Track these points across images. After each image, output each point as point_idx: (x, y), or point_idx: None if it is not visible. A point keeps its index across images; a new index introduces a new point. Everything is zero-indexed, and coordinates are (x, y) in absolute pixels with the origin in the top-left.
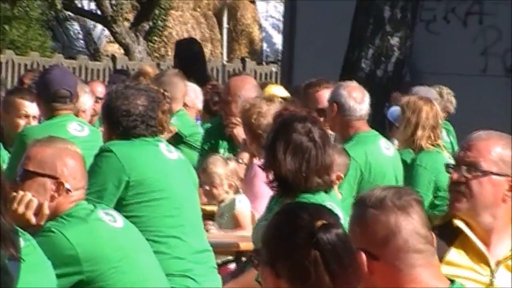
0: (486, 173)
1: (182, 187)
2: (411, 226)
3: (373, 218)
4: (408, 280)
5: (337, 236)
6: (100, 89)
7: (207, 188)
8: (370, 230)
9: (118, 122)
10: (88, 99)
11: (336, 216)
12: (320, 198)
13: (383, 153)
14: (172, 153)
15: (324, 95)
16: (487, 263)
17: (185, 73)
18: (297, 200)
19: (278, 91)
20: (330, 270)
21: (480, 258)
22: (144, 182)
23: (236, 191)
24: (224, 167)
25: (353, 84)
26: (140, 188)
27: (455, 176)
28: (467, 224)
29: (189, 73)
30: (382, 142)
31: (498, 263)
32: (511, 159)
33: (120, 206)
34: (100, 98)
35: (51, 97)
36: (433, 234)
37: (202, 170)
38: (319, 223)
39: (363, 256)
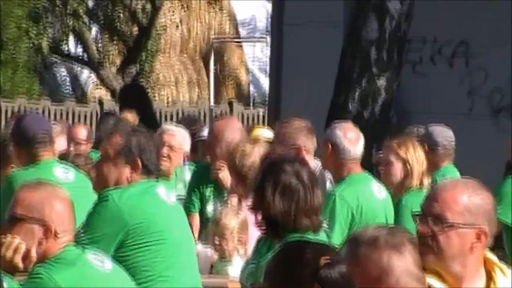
0: (452, 225)
1: (179, 231)
2: (403, 265)
3: (366, 256)
4: None
5: (340, 274)
6: (83, 133)
7: (217, 240)
8: (362, 268)
9: (145, 160)
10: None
11: (338, 253)
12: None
13: (375, 196)
14: (171, 197)
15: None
16: None
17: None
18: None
19: (265, 133)
20: None
21: None
22: (143, 228)
23: (243, 245)
24: (235, 220)
25: (349, 125)
26: (138, 234)
27: (422, 229)
28: (437, 273)
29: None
30: (374, 184)
31: None
32: (477, 208)
33: (116, 249)
34: (81, 142)
35: (31, 142)
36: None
37: (213, 221)
38: (323, 259)
39: None
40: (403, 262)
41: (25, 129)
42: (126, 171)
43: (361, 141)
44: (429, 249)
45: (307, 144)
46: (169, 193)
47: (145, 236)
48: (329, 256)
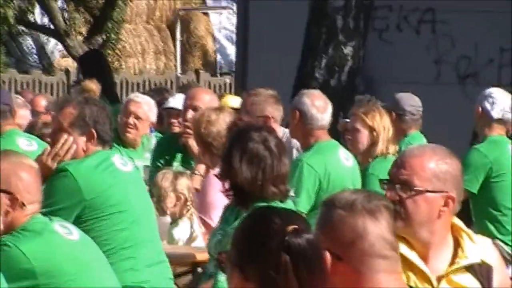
0: (420, 191)
1: (138, 199)
2: (378, 230)
3: (341, 219)
4: (369, 285)
5: (308, 241)
6: (42, 103)
7: (155, 201)
8: (337, 231)
9: (100, 130)
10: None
11: (306, 221)
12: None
13: (342, 164)
14: (127, 166)
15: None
16: (428, 281)
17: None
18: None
19: (234, 102)
20: (299, 275)
21: (422, 276)
22: (101, 199)
23: (185, 204)
24: (171, 180)
25: (316, 92)
26: (97, 205)
27: (390, 195)
28: (405, 239)
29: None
30: (342, 152)
31: (439, 279)
32: (445, 174)
33: (77, 222)
34: (42, 112)
35: None
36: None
37: (152, 183)
38: (291, 228)
39: (328, 256)
40: (378, 228)
41: None
42: (82, 142)
43: (329, 109)
44: (397, 215)
45: (274, 113)
46: (125, 161)
47: (103, 208)
48: (296, 224)
